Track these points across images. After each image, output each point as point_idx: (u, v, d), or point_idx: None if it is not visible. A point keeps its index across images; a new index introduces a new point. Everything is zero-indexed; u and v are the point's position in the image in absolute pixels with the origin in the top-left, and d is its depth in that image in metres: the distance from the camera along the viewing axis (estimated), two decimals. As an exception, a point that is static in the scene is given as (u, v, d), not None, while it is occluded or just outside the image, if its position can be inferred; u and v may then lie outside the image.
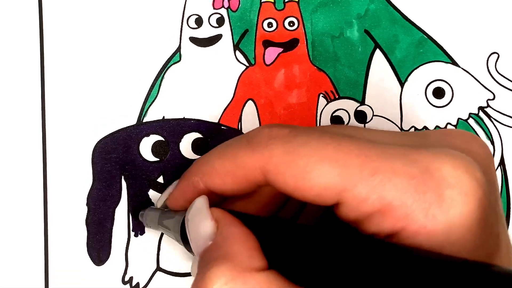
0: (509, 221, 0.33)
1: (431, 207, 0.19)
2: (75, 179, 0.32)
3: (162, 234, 0.32)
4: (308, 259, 0.20)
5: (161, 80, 0.33)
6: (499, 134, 0.34)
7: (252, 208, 0.26)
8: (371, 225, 0.21)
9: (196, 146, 0.32)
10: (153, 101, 0.32)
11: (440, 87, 0.34)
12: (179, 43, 0.33)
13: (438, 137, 0.23)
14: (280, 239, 0.22)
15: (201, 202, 0.24)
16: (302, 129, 0.23)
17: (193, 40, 0.33)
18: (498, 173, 0.33)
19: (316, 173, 0.21)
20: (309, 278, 0.20)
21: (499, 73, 0.34)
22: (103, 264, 0.31)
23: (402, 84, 0.33)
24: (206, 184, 0.25)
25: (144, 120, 0.32)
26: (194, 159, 0.32)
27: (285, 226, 0.23)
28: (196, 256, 0.23)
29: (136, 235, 0.32)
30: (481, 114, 0.34)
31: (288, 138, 0.22)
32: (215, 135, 0.32)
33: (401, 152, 0.21)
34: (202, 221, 0.23)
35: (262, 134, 0.23)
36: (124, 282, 0.31)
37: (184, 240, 0.25)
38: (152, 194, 0.32)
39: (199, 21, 0.33)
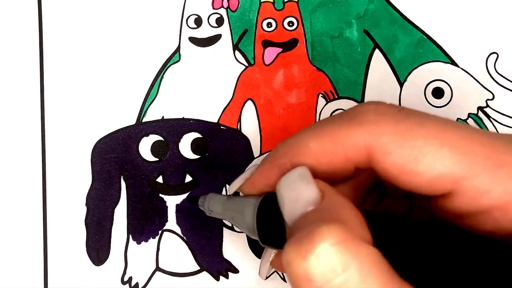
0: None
1: None
2: (74, 179, 0.32)
3: (162, 234, 0.32)
4: (419, 254, 0.18)
5: (161, 80, 0.33)
6: (499, 134, 0.33)
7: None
8: (488, 221, 0.19)
9: (196, 146, 0.32)
10: (153, 101, 0.32)
11: (440, 87, 0.34)
12: (178, 43, 0.33)
13: None
14: (390, 231, 0.20)
15: (303, 169, 0.21)
16: (413, 110, 0.21)
17: (193, 40, 0.33)
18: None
19: (433, 156, 0.19)
20: (417, 274, 0.18)
21: (498, 73, 0.34)
22: (102, 264, 0.31)
23: (401, 84, 0.33)
24: (295, 167, 0.22)
25: (144, 120, 0.32)
26: (193, 159, 0.32)
27: (386, 218, 0.21)
28: (288, 222, 0.20)
29: (139, 243, 0.32)
30: (481, 114, 0.34)
31: (399, 116, 0.20)
32: (214, 135, 0.32)
33: None
34: (306, 186, 0.20)
35: (368, 110, 0.20)
36: (123, 282, 0.31)
37: (261, 225, 0.23)
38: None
39: (198, 21, 0.33)
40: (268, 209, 0.22)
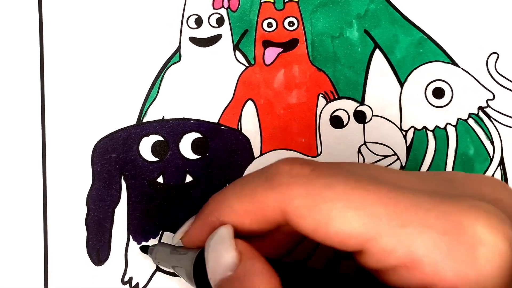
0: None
1: (463, 266, 0.19)
2: (75, 179, 0.32)
3: (162, 234, 0.32)
4: None
5: (161, 80, 0.33)
6: (499, 134, 0.34)
7: (268, 246, 0.25)
8: (395, 278, 0.20)
9: (196, 146, 0.32)
10: (153, 101, 0.32)
11: (440, 87, 0.34)
12: (179, 43, 0.33)
13: (467, 184, 0.22)
14: (298, 284, 0.21)
15: (224, 231, 0.23)
16: (325, 167, 0.22)
17: (193, 40, 0.33)
18: (498, 173, 0.33)
19: (340, 220, 0.20)
20: None
21: (499, 73, 0.34)
22: (102, 264, 0.31)
23: (401, 84, 0.33)
24: (223, 224, 0.23)
25: (144, 120, 0.32)
26: (194, 159, 0.32)
27: (305, 271, 0.22)
28: (212, 284, 0.22)
29: (139, 243, 0.32)
30: (481, 114, 0.34)
31: (310, 178, 0.21)
32: (214, 135, 0.32)
33: (432, 203, 0.20)
34: (225, 250, 0.22)
35: (282, 172, 0.22)
36: (123, 283, 0.31)
37: (196, 277, 0.24)
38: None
39: (199, 21, 0.33)
40: (203, 265, 0.24)
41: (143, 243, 0.31)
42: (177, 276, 0.31)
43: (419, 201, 0.20)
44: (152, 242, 0.32)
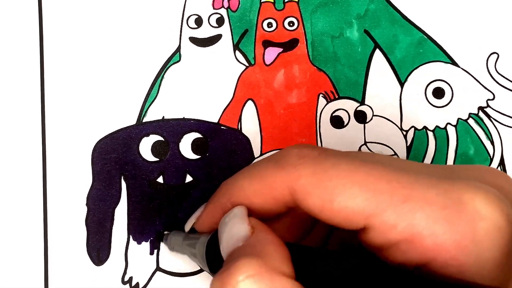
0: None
1: (463, 239, 0.19)
2: (75, 179, 0.32)
3: (161, 234, 0.32)
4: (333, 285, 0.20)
5: (161, 80, 0.33)
6: (499, 134, 0.34)
7: (281, 231, 0.25)
8: (398, 254, 0.20)
9: (196, 146, 0.32)
10: (153, 101, 0.32)
11: (440, 87, 0.34)
12: (179, 43, 0.33)
13: (466, 172, 0.23)
14: (308, 264, 0.22)
15: (240, 209, 0.24)
16: (332, 151, 0.22)
17: (193, 40, 0.33)
18: (498, 173, 0.33)
19: (345, 196, 0.21)
20: None
21: (499, 73, 0.34)
22: (102, 264, 0.31)
23: (402, 84, 0.33)
24: (234, 206, 0.24)
25: (144, 120, 0.32)
26: (194, 159, 0.32)
27: (312, 252, 0.23)
28: (223, 257, 0.23)
29: (139, 243, 0.32)
30: (481, 114, 0.34)
31: (318, 159, 0.22)
32: (215, 135, 0.32)
33: (433, 181, 0.20)
34: (238, 223, 0.23)
35: (291, 154, 0.22)
36: (123, 282, 0.31)
37: (209, 259, 0.25)
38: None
39: (199, 21, 0.33)
40: (215, 246, 0.24)
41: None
42: (177, 275, 0.31)
43: (420, 180, 0.20)
44: (152, 242, 0.32)
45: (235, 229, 0.23)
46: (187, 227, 0.28)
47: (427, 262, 0.20)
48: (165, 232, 0.31)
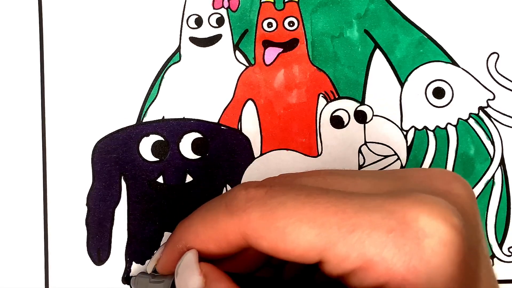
0: (509, 221, 0.33)
1: (412, 260, 0.19)
2: (75, 179, 0.32)
3: (161, 233, 0.32)
4: None
5: (161, 80, 0.33)
6: (499, 134, 0.33)
7: (238, 266, 0.26)
8: (356, 280, 0.21)
9: (196, 146, 0.32)
10: (153, 101, 0.32)
11: (440, 87, 0.34)
12: (179, 43, 0.33)
13: (418, 179, 0.23)
14: None
15: (189, 257, 0.24)
16: (279, 187, 0.23)
17: (193, 40, 0.33)
18: (498, 173, 0.33)
19: (295, 235, 0.21)
20: None
21: (499, 73, 0.34)
22: (103, 264, 0.31)
23: (402, 84, 0.33)
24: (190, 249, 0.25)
25: (144, 120, 0.32)
26: (194, 159, 0.32)
27: (269, 284, 0.23)
28: None
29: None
30: (481, 114, 0.34)
31: (264, 199, 0.22)
32: (215, 135, 0.32)
33: (378, 204, 0.21)
34: (191, 276, 0.23)
35: (240, 197, 0.23)
36: (123, 282, 0.31)
37: None
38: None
39: (199, 21, 0.33)
40: None
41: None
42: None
43: (365, 205, 0.21)
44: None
45: (190, 282, 0.23)
46: (149, 269, 0.28)
47: (382, 285, 0.20)
48: (132, 276, 0.31)
